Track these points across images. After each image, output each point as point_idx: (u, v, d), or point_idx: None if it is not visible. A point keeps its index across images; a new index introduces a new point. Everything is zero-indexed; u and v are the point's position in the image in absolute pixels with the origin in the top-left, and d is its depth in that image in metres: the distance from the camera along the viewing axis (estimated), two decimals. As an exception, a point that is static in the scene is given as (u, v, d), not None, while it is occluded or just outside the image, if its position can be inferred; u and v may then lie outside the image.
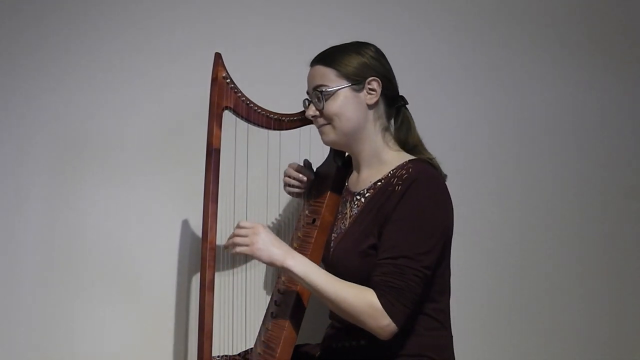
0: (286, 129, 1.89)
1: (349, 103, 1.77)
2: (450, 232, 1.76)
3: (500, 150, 2.47)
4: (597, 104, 2.55)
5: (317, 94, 1.79)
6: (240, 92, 1.84)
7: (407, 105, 1.86)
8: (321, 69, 1.79)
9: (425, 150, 1.83)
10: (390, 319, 1.63)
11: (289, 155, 2.00)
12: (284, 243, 1.72)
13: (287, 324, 1.79)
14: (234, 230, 1.73)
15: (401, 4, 2.38)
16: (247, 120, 1.86)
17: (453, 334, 1.84)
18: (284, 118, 1.88)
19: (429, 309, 1.74)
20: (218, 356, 1.96)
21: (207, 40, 2.15)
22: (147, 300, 2.19)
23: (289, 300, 1.83)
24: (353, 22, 2.33)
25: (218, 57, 1.83)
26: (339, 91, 1.77)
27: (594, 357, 2.55)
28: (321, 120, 1.81)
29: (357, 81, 1.77)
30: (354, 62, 1.77)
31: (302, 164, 2.04)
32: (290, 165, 2.04)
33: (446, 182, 1.80)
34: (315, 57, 1.81)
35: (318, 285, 1.66)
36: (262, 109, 1.86)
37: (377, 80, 1.77)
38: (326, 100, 1.78)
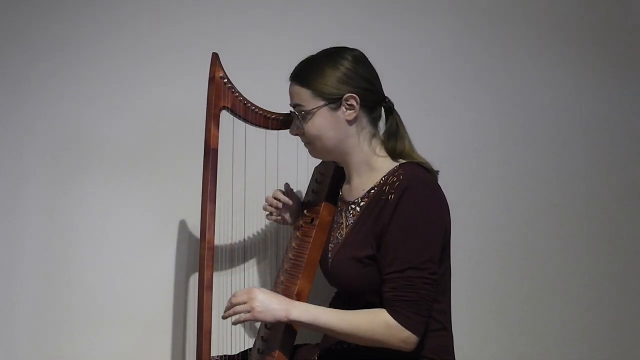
0: (284, 129, 1.89)
1: (327, 123, 1.75)
2: (448, 233, 1.75)
3: (503, 151, 2.46)
4: (600, 104, 2.54)
5: (296, 113, 1.78)
6: (238, 92, 1.84)
7: (395, 108, 1.83)
8: (297, 88, 1.76)
9: (416, 154, 1.80)
10: (409, 332, 1.64)
11: (288, 155, 2.00)
12: (282, 297, 1.72)
13: (279, 343, 1.79)
14: (229, 300, 1.72)
15: (402, 4, 2.38)
16: (245, 120, 1.85)
17: (454, 335, 1.84)
18: (282, 118, 1.88)
19: (432, 310, 1.73)
20: (217, 356, 1.96)
21: (205, 40, 2.15)
22: (146, 300, 2.19)
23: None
24: (353, 21, 2.32)
25: (215, 57, 1.83)
26: (316, 112, 1.75)
27: (597, 358, 2.55)
28: (304, 139, 1.82)
29: (333, 100, 1.74)
30: (329, 79, 1.73)
31: (284, 188, 2.05)
32: (274, 192, 2.04)
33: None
34: (292, 73, 1.78)
35: (330, 325, 1.67)
36: (260, 109, 1.86)
37: (354, 97, 1.73)
38: (304, 122, 1.76)
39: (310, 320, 1.67)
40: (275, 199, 2.04)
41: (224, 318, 1.73)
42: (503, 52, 2.46)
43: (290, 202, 2.03)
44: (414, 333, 1.64)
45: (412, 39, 2.38)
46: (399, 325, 1.63)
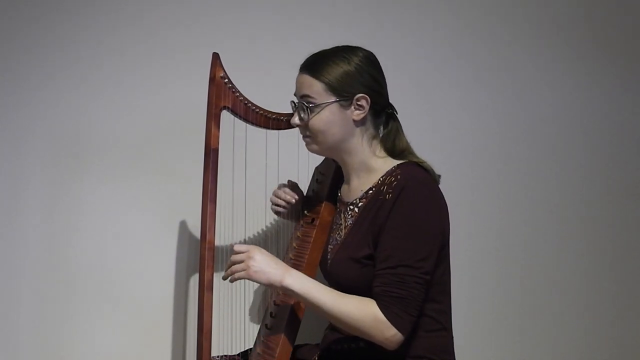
0: (285, 129, 1.88)
1: (335, 119, 1.74)
2: (446, 233, 1.75)
3: (502, 151, 2.47)
4: (600, 104, 2.54)
5: (303, 104, 1.75)
6: (239, 91, 1.83)
7: (396, 108, 1.83)
8: (308, 79, 1.74)
9: (414, 154, 1.80)
10: (396, 330, 1.63)
11: (288, 154, 2.00)
12: (281, 262, 1.71)
13: (285, 324, 1.79)
14: (230, 256, 1.71)
15: (402, 4, 2.38)
16: (246, 120, 1.85)
17: (454, 335, 1.84)
18: (282, 117, 1.87)
19: (430, 310, 1.73)
20: (217, 356, 1.96)
21: (205, 40, 2.15)
22: (146, 300, 2.19)
23: (285, 307, 1.82)
24: (353, 21, 2.32)
25: (216, 57, 1.82)
26: (325, 107, 1.73)
27: (597, 358, 2.55)
28: (304, 131, 1.79)
29: (345, 97, 1.73)
30: (342, 75, 1.72)
31: (286, 183, 2.04)
32: (279, 186, 2.02)
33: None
34: (304, 63, 1.76)
35: (320, 301, 1.66)
36: (261, 109, 1.85)
37: (365, 98, 1.73)
38: (311, 114, 1.74)
39: (302, 291, 1.66)
40: (284, 195, 2.01)
41: (224, 278, 1.72)
42: (503, 52, 2.46)
43: (296, 198, 2.01)
44: (400, 331, 1.63)
45: (411, 39, 2.38)
46: (386, 320, 1.62)
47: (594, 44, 2.53)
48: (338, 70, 1.72)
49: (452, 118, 2.42)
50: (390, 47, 2.33)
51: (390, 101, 1.83)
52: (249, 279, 1.68)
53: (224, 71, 1.82)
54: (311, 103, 1.74)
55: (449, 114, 2.41)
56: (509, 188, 2.48)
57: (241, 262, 1.68)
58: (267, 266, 1.67)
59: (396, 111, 1.83)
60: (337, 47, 1.78)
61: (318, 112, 1.74)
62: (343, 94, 1.72)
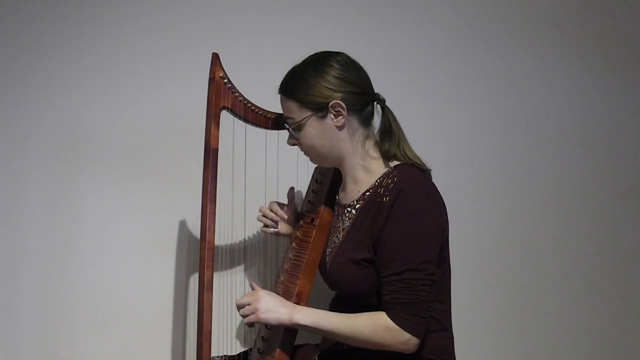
0: (284, 129, 1.88)
1: (317, 131, 1.75)
2: (446, 233, 1.75)
3: (502, 150, 2.47)
4: (600, 104, 2.54)
5: (287, 126, 1.79)
6: (238, 92, 1.84)
7: (388, 105, 1.81)
8: (285, 101, 1.77)
9: (411, 153, 1.79)
10: (409, 334, 1.65)
11: (288, 154, 2.00)
12: (286, 301, 1.75)
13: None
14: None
15: (402, 4, 2.38)
16: (245, 120, 1.86)
17: (454, 335, 1.84)
18: (282, 118, 1.88)
19: (432, 310, 1.72)
20: (217, 356, 1.96)
21: (205, 40, 2.15)
22: (145, 300, 2.19)
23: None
24: (353, 21, 2.32)
25: (215, 57, 1.83)
26: (305, 122, 1.75)
27: (597, 358, 2.55)
28: (301, 148, 1.82)
29: (319, 108, 1.74)
30: (313, 88, 1.73)
31: (287, 194, 2.05)
32: (270, 204, 2.04)
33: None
34: (279, 86, 1.79)
35: (332, 328, 1.69)
36: (260, 109, 1.86)
37: (339, 104, 1.73)
38: (298, 132, 1.77)
39: (312, 324, 1.70)
40: (272, 211, 2.03)
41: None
42: (503, 52, 2.46)
43: (286, 216, 2.03)
44: (414, 335, 1.65)
45: (411, 38, 2.38)
46: (398, 327, 1.64)
47: (594, 44, 2.53)
48: (306, 84, 1.74)
49: (452, 118, 2.42)
50: (390, 47, 2.33)
51: (390, 101, 1.83)
52: (258, 321, 1.72)
53: (224, 71, 1.83)
54: (293, 123, 1.77)
55: (449, 114, 2.41)
56: (509, 188, 2.47)
57: (248, 304, 1.72)
58: (275, 306, 1.71)
59: (384, 100, 1.81)
60: (307, 59, 1.79)
61: (302, 130, 1.76)
62: (316, 106, 1.74)
